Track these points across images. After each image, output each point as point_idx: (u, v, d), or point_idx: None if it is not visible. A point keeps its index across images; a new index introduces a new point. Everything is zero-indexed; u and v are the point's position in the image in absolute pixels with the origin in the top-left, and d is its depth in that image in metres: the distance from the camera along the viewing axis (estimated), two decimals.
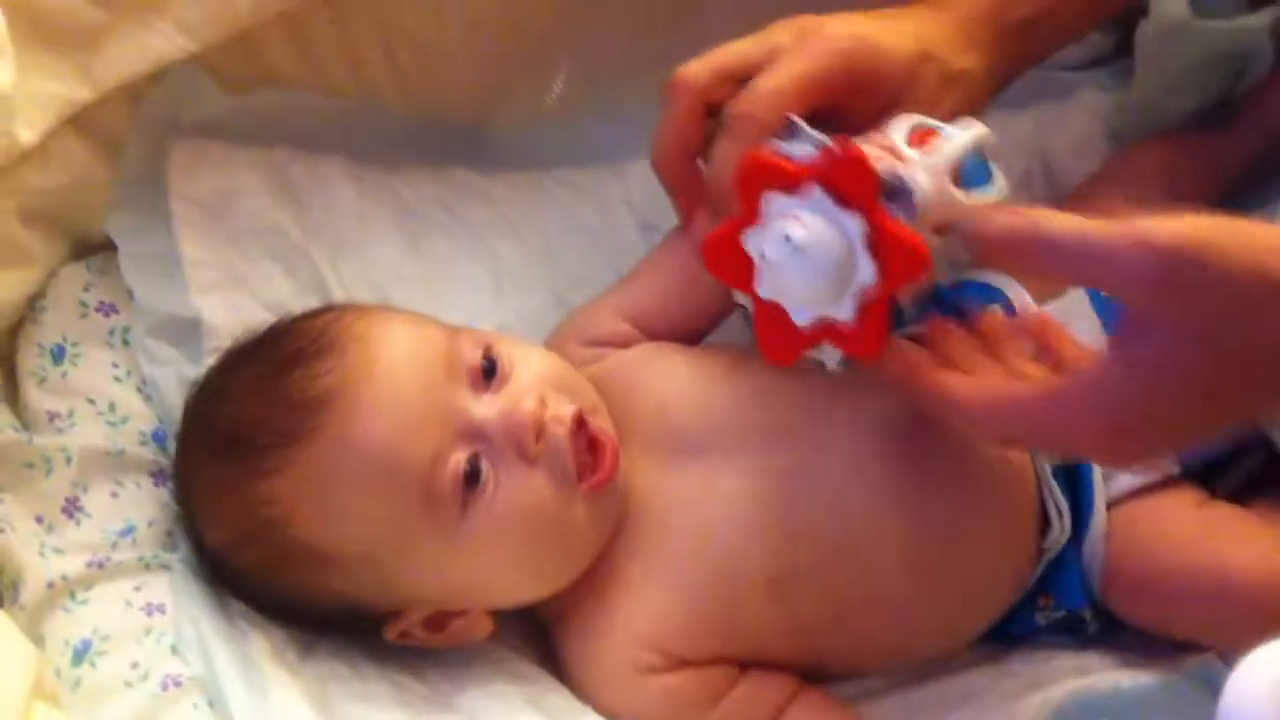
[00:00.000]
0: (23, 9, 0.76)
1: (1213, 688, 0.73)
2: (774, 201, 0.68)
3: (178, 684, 0.73)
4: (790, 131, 0.71)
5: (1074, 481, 0.81)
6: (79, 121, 0.82)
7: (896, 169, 0.66)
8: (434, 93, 0.97)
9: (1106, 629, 0.83)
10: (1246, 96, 0.97)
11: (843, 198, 0.66)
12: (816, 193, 0.66)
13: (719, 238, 0.71)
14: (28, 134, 0.76)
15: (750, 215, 0.69)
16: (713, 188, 0.77)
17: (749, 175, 0.69)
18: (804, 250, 0.66)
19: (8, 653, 0.67)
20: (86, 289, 0.85)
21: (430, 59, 0.95)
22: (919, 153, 0.69)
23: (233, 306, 0.85)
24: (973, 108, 0.77)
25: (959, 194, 0.68)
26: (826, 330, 0.69)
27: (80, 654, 0.74)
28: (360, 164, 0.95)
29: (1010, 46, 0.79)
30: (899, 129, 0.70)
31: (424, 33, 0.94)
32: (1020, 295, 0.88)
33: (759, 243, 0.69)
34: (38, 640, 0.74)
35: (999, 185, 0.71)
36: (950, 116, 0.73)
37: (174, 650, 0.74)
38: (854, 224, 0.66)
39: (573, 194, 0.99)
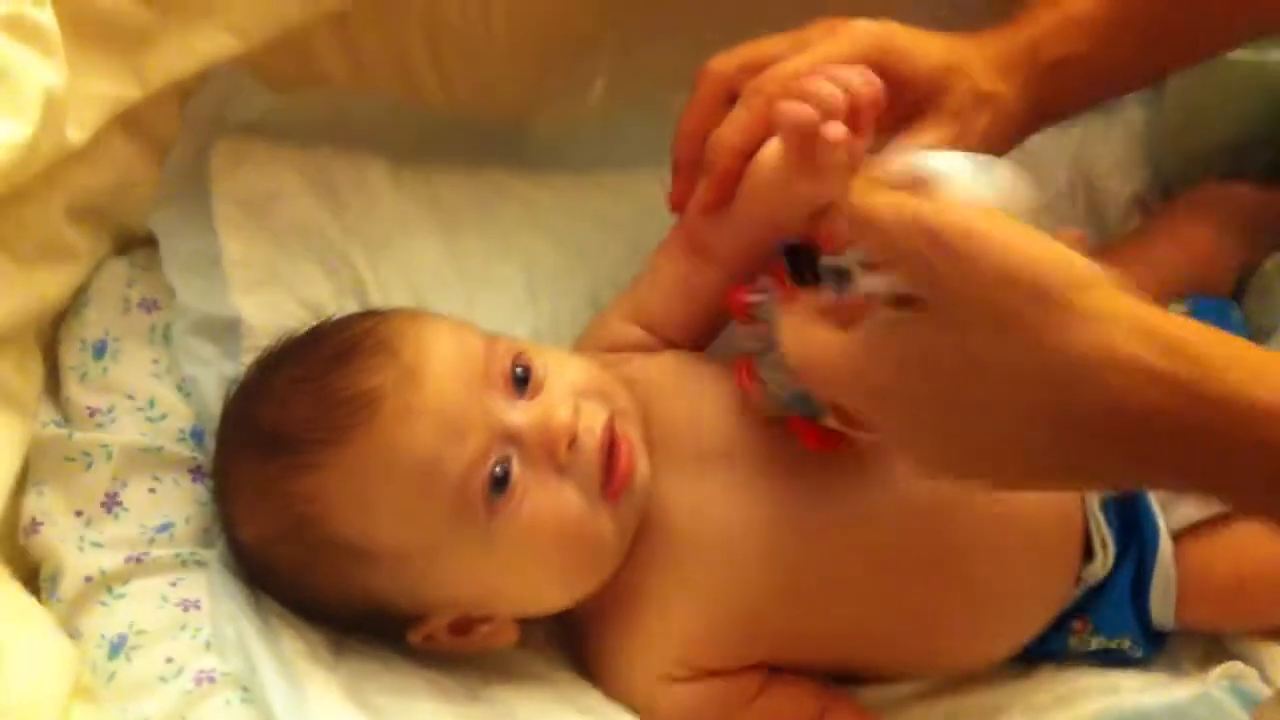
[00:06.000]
0: (74, 10, 0.75)
1: (1244, 699, 0.74)
2: None
3: (211, 680, 0.73)
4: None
5: (1134, 514, 0.82)
6: (127, 120, 0.82)
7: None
8: (477, 93, 0.97)
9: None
10: None
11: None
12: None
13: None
14: (78, 134, 0.76)
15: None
16: (710, 149, 0.77)
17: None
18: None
19: (50, 652, 0.68)
20: (129, 285, 0.85)
21: (475, 59, 0.95)
22: None
23: (272, 306, 0.85)
24: (1005, 137, 0.76)
25: None
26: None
27: (116, 648, 0.74)
28: (401, 165, 0.95)
29: (1044, 87, 0.78)
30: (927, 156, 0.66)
31: (469, 32, 0.94)
32: None
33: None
34: (74, 634, 0.75)
35: None
36: (983, 139, 0.73)
37: (208, 646, 0.75)
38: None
39: (611, 196, 0.99)
